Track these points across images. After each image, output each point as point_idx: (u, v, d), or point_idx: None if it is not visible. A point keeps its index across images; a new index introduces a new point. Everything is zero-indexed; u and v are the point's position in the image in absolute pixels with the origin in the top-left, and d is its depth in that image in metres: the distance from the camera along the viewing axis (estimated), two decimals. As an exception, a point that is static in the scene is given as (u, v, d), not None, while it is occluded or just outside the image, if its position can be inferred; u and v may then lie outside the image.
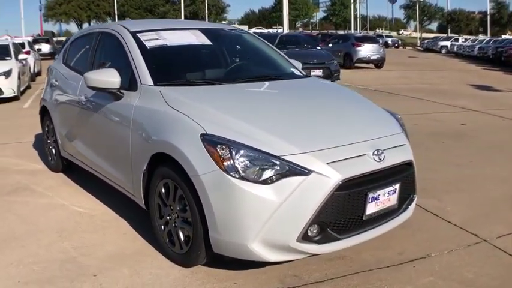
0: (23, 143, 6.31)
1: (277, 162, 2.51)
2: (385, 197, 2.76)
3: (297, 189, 2.48)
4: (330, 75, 13.21)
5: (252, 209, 2.48)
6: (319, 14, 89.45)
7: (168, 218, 2.99)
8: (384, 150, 2.79)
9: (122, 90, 3.39)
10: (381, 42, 24.47)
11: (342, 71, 17.50)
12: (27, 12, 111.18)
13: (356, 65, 19.84)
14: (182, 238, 2.88)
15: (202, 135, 2.64)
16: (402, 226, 3.46)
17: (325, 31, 49.88)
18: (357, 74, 17.38)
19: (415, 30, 70.77)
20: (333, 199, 2.53)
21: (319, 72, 13.09)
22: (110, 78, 3.33)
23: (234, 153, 2.52)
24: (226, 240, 2.57)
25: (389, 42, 45.83)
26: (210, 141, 2.59)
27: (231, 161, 2.52)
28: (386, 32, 68.34)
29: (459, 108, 9.15)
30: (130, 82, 3.38)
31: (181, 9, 54.03)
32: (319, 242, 2.60)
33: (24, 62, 11.59)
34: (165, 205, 2.99)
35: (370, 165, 2.69)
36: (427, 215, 3.80)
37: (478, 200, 4.15)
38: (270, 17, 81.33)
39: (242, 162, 2.51)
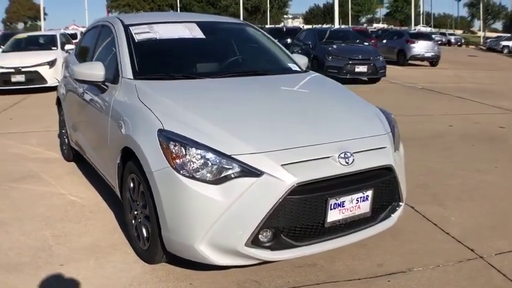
0: (51, 131, 6.55)
1: (228, 162, 2.38)
2: (353, 204, 2.55)
3: (247, 191, 2.34)
4: (375, 71, 12.77)
5: (199, 209, 2.38)
6: (383, 10, 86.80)
7: (135, 213, 2.95)
8: (355, 153, 2.57)
9: (107, 83, 3.40)
10: (443, 39, 23.24)
11: (394, 68, 16.90)
12: (94, 3, 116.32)
13: (410, 62, 19.01)
14: (145, 234, 2.83)
15: (159, 130, 2.57)
16: (392, 235, 3.26)
17: (389, 27, 48.28)
18: (408, 71, 16.63)
19: (505, 32, 66.88)
20: (287, 204, 2.36)
21: (363, 68, 12.69)
22: (94, 71, 3.34)
23: (185, 151, 2.43)
24: (175, 240, 2.49)
25: (452, 40, 43.59)
26: (165, 137, 2.51)
27: (182, 159, 2.42)
28: (456, 31, 64.98)
29: (503, 110, 8.45)
30: (114, 75, 3.37)
31: (240, 2, 54.08)
32: (272, 248, 2.44)
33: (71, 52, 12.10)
34: (133, 200, 2.95)
35: (333, 168, 2.48)
36: (426, 224, 3.51)
37: (490, 210, 3.78)
38: (332, 11, 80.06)
39: (193, 161, 2.41)
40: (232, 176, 2.37)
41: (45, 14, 73.49)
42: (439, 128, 6.82)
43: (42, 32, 16.02)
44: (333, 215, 2.50)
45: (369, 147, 2.69)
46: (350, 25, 54.01)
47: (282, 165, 2.38)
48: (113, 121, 3.16)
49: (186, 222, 2.41)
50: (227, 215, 2.35)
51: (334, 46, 13.34)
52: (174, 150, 2.45)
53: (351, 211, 2.56)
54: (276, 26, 26.12)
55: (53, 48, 11.44)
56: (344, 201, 2.51)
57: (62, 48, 11.58)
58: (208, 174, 2.38)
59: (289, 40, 17.73)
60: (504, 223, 3.52)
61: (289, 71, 3.80)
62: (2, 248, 3.11)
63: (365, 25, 54.06)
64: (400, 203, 2.94)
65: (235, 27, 4.34)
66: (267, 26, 24.65)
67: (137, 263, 2.91)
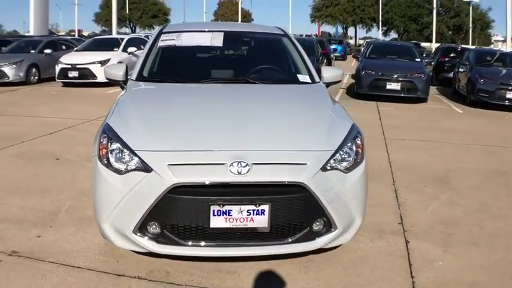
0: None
1: (131, 156, 2.64)
2: (243, 215, 2.52)
3: (138, 184, 2.57)
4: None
5: (106, 194, 2.70)
6: None
7: None
8: (255, 164, 2.54)
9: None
10: None
11: None
12: (299, 11, 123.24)
13: None
14: None
15: (106, 123, 2.96)
16: (348, 265, 3.06)
17: None
18: None
19: None
20: (167, 201, 2.51)
21: (515, 94, 10.97)
22: (115, 71, 3.88)
23: (109, 142, 2.77)
24: (95, 218, 2.84)
25: None
26: (103, 129, 2.89)
27: (105, 149, 2.77)
28: None
29: None
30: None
31: (433, 21, 50.46)
32: (158, 241, 2.61)
33: None
34: None
35: (221, 176, 2.51)
36: (399, 263, 3.11)
37: (494, 264, 3.14)
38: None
39: (110, 152, 2.73)
40: (132, 168, 2.63)
41: (251, 19, 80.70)
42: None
43: (114, 36, 18.28)
44: (218, 222, 2.52)
45: (279, 161, 2.60)
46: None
47: (168, 164, 2.53)
48: None
49: (98, 203, 2.77)
50: (123, 202, 2.61)
51: (489, 68, 11.87)
52: (103, 141, 2.81)
53: (241, 222, 2.53)
54: (452, 45, 24.11)
55: (114, 49, 13.26)
56: (231, 210, 2.51)
57: (124, 50, 13.43)
58: (117, 165, 2.68)
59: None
60: (492, 282, 2.90)
61: (293, 81, 3.78)
62: (27, 208, 3.90)
63: None
64: (332, 229, 2.74)
65: (265, 37, 4.44)
66: (460, 46, 22.50)
67: (98, 237, 3.30)
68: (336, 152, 2.79)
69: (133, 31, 58.86)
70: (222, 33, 4.12)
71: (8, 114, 8.47)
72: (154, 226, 2.60)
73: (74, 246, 3.21)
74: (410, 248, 3.32)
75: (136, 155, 2.63)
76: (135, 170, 2.61)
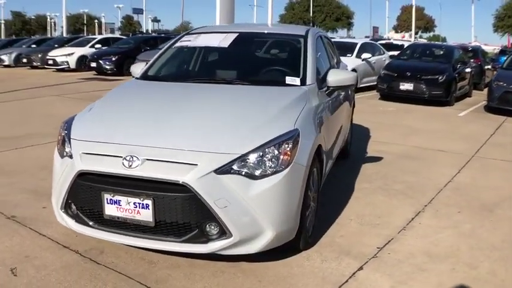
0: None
1: (68, 143, 3.02)
2: (130, 207, 2.69)
3: (66, 168, 2.94)
4: None
5: (54, 174, 3.14)
6: None
7: None
8: (148, 159, 2.68)
9: (143, 80, 4.35)
10: None
11: None
12: (482, 22, 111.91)
13: None
14: None
15: (74, 115, 3.39)
16: (263, 278, 2.96)
17: None
18: None
19: None
20: (76, 185, 2.82)
21: None
22: (135, 69, 4.28)
23: (64, 131, 3.18)
24: None
25: None
26: (65, 120, 3.32)
27: (60, 136, 3.21)
28: None
29: None
30: None
31: None
32: (76, 220, 2.95)
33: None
34: None
35: (114, 167, 2.71)
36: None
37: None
38: None
39: (62, 140, 3.15)
40: (67, 154, 3.00)
41: (434, 26, 75.57)
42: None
43: (346, 40, 17.70)
44: (111, 210, 2.74)
45: (170, 159, 2.67)
46: None
47: (81, 153, 2.83)
48: None
49: (52, 183, 3.19)
50: (58, 182, 3.01)
51: None
52: (60, 130, 3.25)
53: (129, 213, 2.70)
54: None
55: (348, 55, 12.90)
56: (120, 201, 2.70)
57: (358, 56, 13.28)
58: (62, 151, 3.09)
59: None
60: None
61: (278, 83, 3.68)
62: (26, 188, 4.46)
63: None
64: (225, 236, 2.70)
65: (278, 39, 4.36)
66: None
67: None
68: (244, 156, 2.71)
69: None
70: (235, 35, 4.20)
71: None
72: (74, 207, 2.94)
73: (49, 218, 3.61)
74: (355, 276, 3.00)
75: (70, 142, 2.99)
76: (68, 156, 2.98)
